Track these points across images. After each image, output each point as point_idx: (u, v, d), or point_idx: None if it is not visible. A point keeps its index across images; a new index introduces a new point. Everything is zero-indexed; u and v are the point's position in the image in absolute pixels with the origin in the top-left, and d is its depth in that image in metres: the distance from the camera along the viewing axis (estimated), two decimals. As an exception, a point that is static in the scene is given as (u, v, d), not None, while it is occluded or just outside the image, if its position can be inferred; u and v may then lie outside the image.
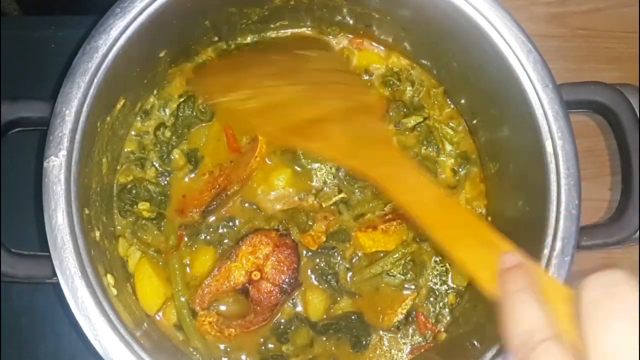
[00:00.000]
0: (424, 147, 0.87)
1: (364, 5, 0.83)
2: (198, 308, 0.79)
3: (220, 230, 0.83)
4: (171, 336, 0.80)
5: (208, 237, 0.83)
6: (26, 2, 1.00)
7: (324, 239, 0.83)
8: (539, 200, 0.71)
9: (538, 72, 0.71)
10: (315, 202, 0.84)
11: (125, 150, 0.85)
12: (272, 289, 0.79)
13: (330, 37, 0.91)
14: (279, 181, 0.84)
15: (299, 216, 0.83)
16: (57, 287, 0.65)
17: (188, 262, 0.82)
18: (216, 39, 0.88)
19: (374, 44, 0.91)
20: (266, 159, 0.85)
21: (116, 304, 0.68)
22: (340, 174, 0.85)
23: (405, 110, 0.88)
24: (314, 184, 0.86)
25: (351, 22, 0.88)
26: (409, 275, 0.83)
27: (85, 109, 0.69)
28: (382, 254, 0.83)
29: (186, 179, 0.85)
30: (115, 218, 0.83)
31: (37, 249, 0.70)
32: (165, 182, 0.85)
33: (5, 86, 0.89)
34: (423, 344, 0.82)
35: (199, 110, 0.86)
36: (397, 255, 0.82)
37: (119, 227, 0.83)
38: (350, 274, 0.83)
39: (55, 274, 0.65)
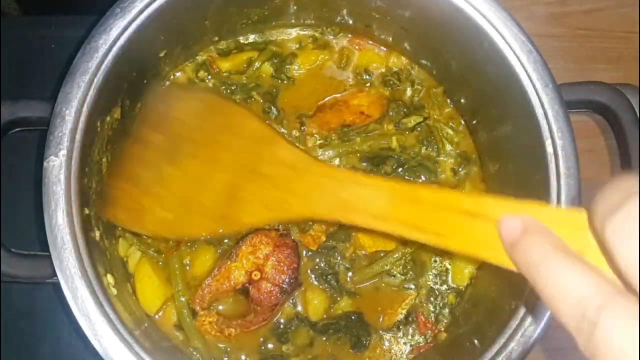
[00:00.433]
0: (424, 147, 0.87)
1: (364, 5, 0.83)
2: (198, 308, 0.79)
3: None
4: (171, 336, 0.80)
5: (208, 237, 0.83)
6: (26, 2, 1.00)
7: (324, 238, 0.83)
8: (539, 200, 0.71)
9: (538, 72, 0.71)
10: (315, 202, 0.84)
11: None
12: (272, 288, 0.79)
13: (330, 37, 0.91)
14: (279, 181, 0.84)
15: (299, 216, 0.83)
16: (57, 287, 0.65)
17: (188, 262, 0.82)
18: (216, 39, 0.88)
19: (374, 43, 0.91)
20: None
21: (116, 304, 0.68)
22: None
23: (405, 110, 0.88)
24: (314, 184, 0.85)
25: (351, 22, 0.88)
26: (409, 275, 0.83)
27: (85, 109, 0.69)
28: (382, 254, 0.83)
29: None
30: (115, 218, 0.83)
31: (37, 249, 0.70)
32: None
33: (5, 86, 0.89)
34: (423, 344, 0.82)
35: None
36: (397, 255, 0.82)
37: (119, 228, 0.83)
38: (350, 273, 0.83)
39: (55, 274, 0.65)
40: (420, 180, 0.86)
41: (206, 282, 0.79)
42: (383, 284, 0.83)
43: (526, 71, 0.71)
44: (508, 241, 0.40)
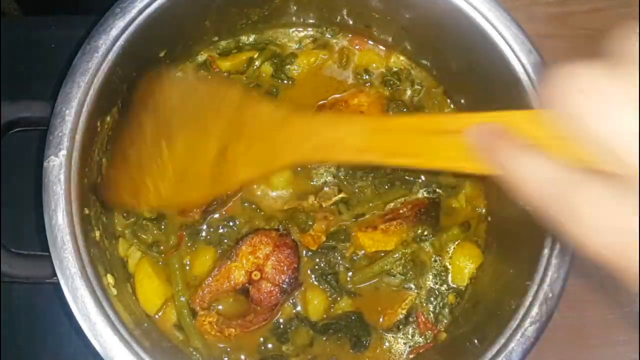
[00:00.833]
0: (424, 147, 0.87)
1: (364, 6, 0.83)
2: (198, 308, 0.79)
3: (221, 230, 0.83)
4: (171, 336, 0.80)
5: (208, 237, 0.83)
6: (26, 2, 1.00)
7: (324, 238, 0.83)
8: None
9: (538, 73, 0.71)
10: (315, 202, 0.84)
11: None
12: (272, 288, 0.79)
13: (330, 37, 0.91)
14: (279, 181, 0.84)
15: (299, 216, 0.83)
16: (57, 287, 0.65)
17: (188, 262, 0.82)
18: (216, 39, 0.88)
19: (374, 43, 0.91)
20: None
21: (116, 304, 0.68)
22: (340, 174, 0.85)
23: (405, 110, 0.88)
24: (313, 183, 0.86)
25: (351, 22, 0.88)
26: (409, 275, 0.83)
27: (85, 109, 0.69)
28: (382, 254, 0.83)
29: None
30: (115, 218, 0.83)
31: (37, 249, 0.70)
32: None
33: (5, 86, 0.89)
34: (423, 344, 0.82)
35: None
36: (397, 255, 0.82)
37: (119, 228, 0.83)
38: (350, 273, 0.83)
39: (55, 274, 0.65)
40: (420, 181, 0.86)
41: (206, 282, 0.79)
42: (383, 284, 0.83)
43: (526, 71, 0.71)
44: (480, 147, 0.44)
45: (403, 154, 0.51)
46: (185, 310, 0.79)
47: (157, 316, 0.81)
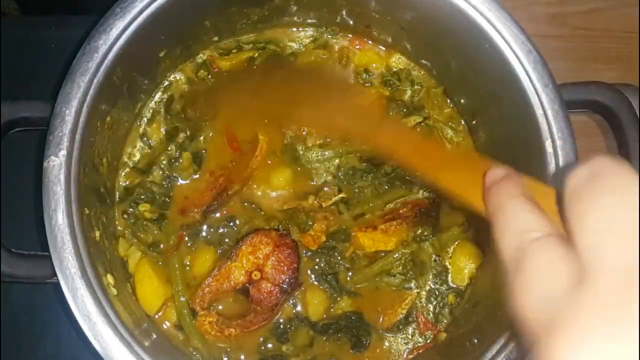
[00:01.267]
0: (424, 147, 0.87)
1: (364, 6, 0.83)
2: (198, 308, 0.79)
3: (221, 230, 0.83)
4: (171, 336, 0.80)
5: (208, 237, 0.83)
6: (26, 2, 1.00)
7: (324, 238, 0.83)
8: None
9: (538, 72, 0.71)
10: (315, 201, 0.84)
11: (129, 152, 0.85)
12: (272, 288, 0.79)
13: (330, 37, 0.91)
14: (279, 181, 0.84)
15: (299, 216, 0.83)
16: (57, 287, 0.65)
17: (188, 262, 0.82)
18: (216, 38, 0.88)
19: (374, 43, 0.91)
20: (267, 159, 0.85)
21: (116, 304, 0.68)
22: (340, 174, 0.85)
23: (405, 110, 0.88)
24: (313, 183, 0.86)
25: (351, 22, 0.88)
26: (409, 275, 0.83)
27: (85, 109, 0.69)
28: (382, 254, 0.83)
29: (189, 180, 0.85)
30: (115, 218, 0.83)
31: (37, 249, 0.70)
32: (170, 184, 0.84)
33: (5, 86, 0.89)
34: (423, 344, 0.82)
35: (202, 110, 0.86)
36: (397, 255, 0.82)
37: (119, 228, 0.83)
38: (350, 273, 0.83)
39: (55, 274, 0.65)
40: (420, 180, 0.86)
41: (206, 282, 0.79)
42: (383, 284, 0.83)
43: (526, 71, 0.71)
44: (488, 183, 0.45)
45: (434, 165, 0.56)
46: (185, 310, 0.79)
47: (157, 316, 0.81)
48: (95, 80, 0.70)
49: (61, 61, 0.75)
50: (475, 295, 0.82)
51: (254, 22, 0.87)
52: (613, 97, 0.78)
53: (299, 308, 0.82)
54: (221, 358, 0.80)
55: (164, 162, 0.84)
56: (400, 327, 0.82)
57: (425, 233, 0.83)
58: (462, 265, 0.84)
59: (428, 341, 0.82)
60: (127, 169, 0.85)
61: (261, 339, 0.81)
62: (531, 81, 0.71)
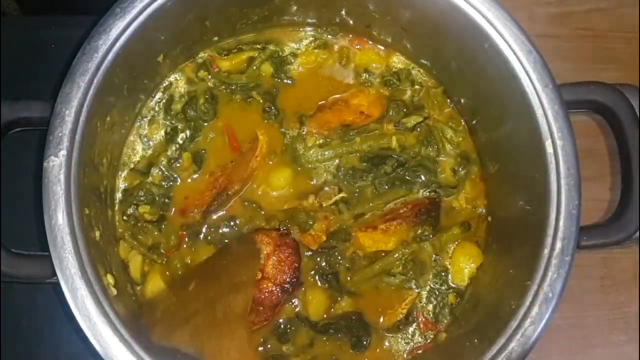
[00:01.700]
0: (424, 147, 0.87)
1: (364, 6, 0.83)
2: (198, 308, 0.79)
3: (221, 230, 0.83)
4: (171, 336, 0.80)
5: (209, 236, 0.83)
6: (26, 2, 1.00)
7: (325, 238, 0.83)
8: (539, 200, 0.71)
9: (538, 72, 0.71)
10: (315, 201, 0.84)
11: (129, 153, 0.85)
12: (273, 288, 0.79)
13: (330, 37, 0.91)
14: (279, 181, 0.84)
15: (300, 216, 0.83)
16: (57, 287, 0.65)
17: (188, 262, 0.82)
18: (216, 38, 0.88)
19: (374, 43, 0.91)
20: (267, 159, 0.85)
21: (116, 304, 0.68)
22: (340, 173, 0.85)
23: (405, 110, 0.88)
24: (314, 183, 0.86)
25: (351, 22, 0.88)
26: (409, 275, 0.83)
27: (85, 109, 0.69)
28: (382, 254, 0.83)
29: (189, 180, 0.85)
30: (115, 220, 0.83)
31: (37, 249, 0.70)
32: (169, 185, 0.84)
33: (5, 86, 0.89)
34: (423, 344, 0.82)
35: (202, 110, 0.86)
36: (397, 255, 0.82)
37: (119, 230, 0.83)
38: (350, 273, 0.83)
39: (55, 274, 0.65)
40: (420, 180, 0.86)
41: (206, 282, 0.79)
42: (383, 284, 0.83)
43: (526, 71, 0.71)
44: None
45: None
46: (186, 310, 0.79)
47: (157, 316, 0.80)
48: (95, 81, 0.70)
49: (61, 61, 0.75)
50: (475, 295, 0.82)
51: (254, 22, 0.87)
52: (613, 97, 0.78)
53: (299, 308, 0.82)
54: (221, 358, 0.80)
55: (164, 162, 0.84)
56: (401, 327, 0.82)
57: (425, 233, 0.83)
58: (462, 265, 0.84)
59: (428, 341, 0.82)
60: (127, 170, 0.84)
61: (261, 339, 0.81)
62: (531, 81, 0.71)
